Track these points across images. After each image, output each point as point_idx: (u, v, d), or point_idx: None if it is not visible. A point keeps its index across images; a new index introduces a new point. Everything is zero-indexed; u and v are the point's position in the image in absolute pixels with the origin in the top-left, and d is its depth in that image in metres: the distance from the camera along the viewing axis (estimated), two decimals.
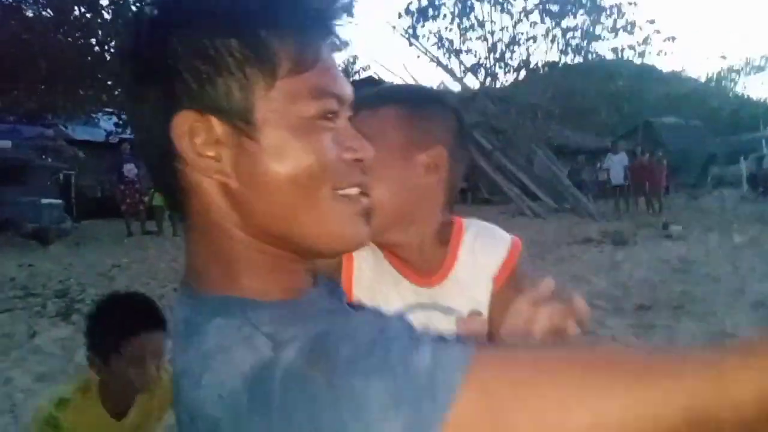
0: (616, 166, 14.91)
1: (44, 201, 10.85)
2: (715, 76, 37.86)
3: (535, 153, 16.19)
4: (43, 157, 12.28)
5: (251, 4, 0.55)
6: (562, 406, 0.44)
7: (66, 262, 8.71)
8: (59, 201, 11.71)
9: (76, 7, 12.71)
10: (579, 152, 19.09)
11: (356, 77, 23.87)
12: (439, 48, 21.90)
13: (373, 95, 0.89)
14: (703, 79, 37.75)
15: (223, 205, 0.57)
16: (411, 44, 20.42)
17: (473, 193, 16.01)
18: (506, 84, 22.57)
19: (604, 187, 15.52)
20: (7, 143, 11.33)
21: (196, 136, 0.54)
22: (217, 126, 0.55)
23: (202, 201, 0.57)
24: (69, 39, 12.92)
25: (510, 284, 0.89)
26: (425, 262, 0.90)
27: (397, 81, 19.11)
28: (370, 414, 0.43)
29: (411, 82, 17.09)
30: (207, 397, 0.50)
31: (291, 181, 0.55)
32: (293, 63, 0.55)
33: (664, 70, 32.75)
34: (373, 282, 0.91)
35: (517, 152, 15.99)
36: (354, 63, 26.10)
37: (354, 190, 0.60)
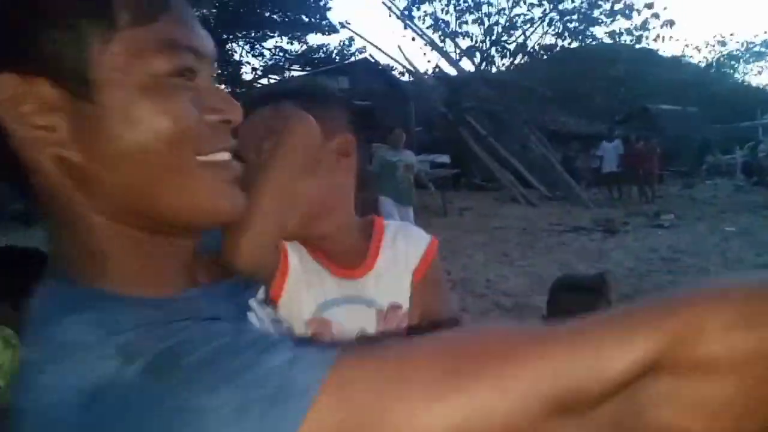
0: (609, 153, 14.76)
1: None
2: (714, 62, 37.49)
3: (530, 138, 16.05)
4: None
5: None
6: (425, 409, 0.40)
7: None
8: None
9: None
10: (574, 138, 18.91)
11: (352, 59, 23.59)
12: (434, 31, 21.74)
13: (272, 92, 0.92)
14: (703, 65, 37.40)
15: (67, 184, 0.48)
16: (406, 26, 20.23)
17: (466, 178, 15.81)
18: (502, 68, 22.43)
19: (598, 175, 15.39)
20: None
21: (22, 103, 0.45)
22: (47, 90, 0.46)
23: (43, 182, 0.48)
24: None
25: (428, 278, 0.94)
26: (348, 255, 0.92)
27: (393, 64, 18.95)
28: (213, 427, 0.39)
29: (406, 65, 16.94)
30: (40, 398, 0.45)
31: (144, 149, 0.48)
32: (135, 12, 0.47)
33: (664, 55, 32.49)
34: (299, 277, 0.91)
35: (511, 137, 15.84)
36: (350, 45, 25.79)
37: (223, 155, 0.54)
